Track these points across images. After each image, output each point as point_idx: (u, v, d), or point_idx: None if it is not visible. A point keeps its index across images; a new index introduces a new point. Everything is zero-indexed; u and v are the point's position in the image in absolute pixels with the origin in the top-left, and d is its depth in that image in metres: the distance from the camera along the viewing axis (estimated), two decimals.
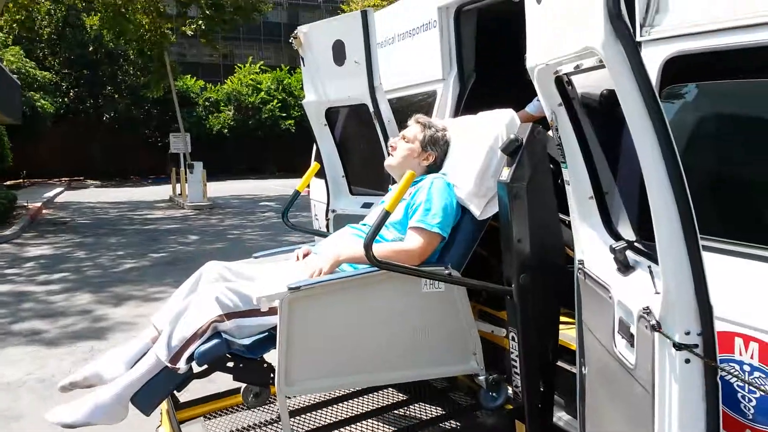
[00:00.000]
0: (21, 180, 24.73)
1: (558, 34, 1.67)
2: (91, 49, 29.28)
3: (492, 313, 2.80)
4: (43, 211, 15.65)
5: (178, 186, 18.67)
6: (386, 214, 2.13)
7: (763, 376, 1.63)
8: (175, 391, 2.40)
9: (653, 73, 1.93)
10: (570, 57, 1.62)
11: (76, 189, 24.94)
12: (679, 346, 1.37)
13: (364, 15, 2.92)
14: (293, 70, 35.41)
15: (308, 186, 3.34)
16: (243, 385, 2.62)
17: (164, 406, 2.67)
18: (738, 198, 1.86)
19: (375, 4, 22.10)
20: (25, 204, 15.28)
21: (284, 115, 32.54)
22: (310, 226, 6.27)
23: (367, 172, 3.45)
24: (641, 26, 2.03)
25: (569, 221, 2.51)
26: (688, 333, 1.37)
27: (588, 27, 1.38)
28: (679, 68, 1.92)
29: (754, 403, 1.67)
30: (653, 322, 1.42)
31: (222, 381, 2.61)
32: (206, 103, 32.77)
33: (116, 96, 30.93)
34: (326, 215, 3.55)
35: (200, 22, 15.91)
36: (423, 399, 2.96)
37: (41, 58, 29.29)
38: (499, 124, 2.52)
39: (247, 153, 32.20)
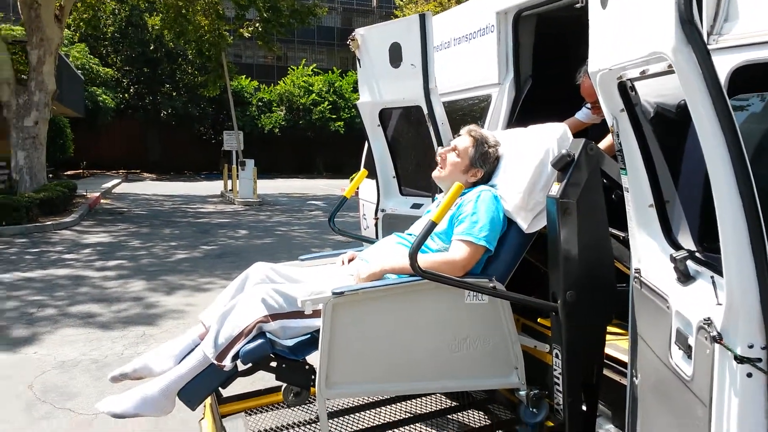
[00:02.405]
0: (81, 170, 25.77)
1: (623, 38, 1.65)
2: (151, 48, 30.33)
3: (535, 327, 2.76)
4: (101, 201, 16.27)
5: (229, 182, 19.11)
6: (432, 225, 2.12)
7: None
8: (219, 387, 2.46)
9: (721, 81, 1.89)
10: (636, 62, 1.59)
11: (133, 181, 25.86)
12: (741, 359, 1.33)
13: (422, 18, 2.94)
14: (345, 73, 35.85)
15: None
16: (284, 384, 2.68)
17: (208, 400, 2.73)
18: None
19: (427, 10, 22.17)
20: (85, 193, 15.91)
21: (334, 116, 32.95)
22: (357, 226, 6.34)
23: (417, 173, 3.46)
24: (708, 34, 1.98)
25: (621, 236, 2.48)
26: (751, 346, 1.33)
27: (657, 31, 1.36)
28: (747, 78, 1.87)
29: None
30: (714, 333, 1.38)
31: (265, 378, 2.66)
32: (259, 103, 33.50)
33: (174, 94, 31.91)
34: (375, 214, 3.58)
35: (258, 25, 16.24)
36: (462, 409, 2.95)
37: (104, 55, 30.52)
38: (550, 137, 2.48)
39: (296, 152, 32.82)
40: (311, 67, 34.90)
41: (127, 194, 19.26)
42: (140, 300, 6.32)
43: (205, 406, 2.81)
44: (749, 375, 1.34)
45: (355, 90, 34.36)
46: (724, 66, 1.91)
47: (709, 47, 1.95)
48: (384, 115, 3.42)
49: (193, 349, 2.42)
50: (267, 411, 2.88)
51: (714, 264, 1.53)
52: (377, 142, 3.47)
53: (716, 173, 1.30)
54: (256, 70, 38.75)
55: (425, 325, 2.36)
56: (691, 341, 1.52)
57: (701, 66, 1.26)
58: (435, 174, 2.69)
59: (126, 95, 31.36)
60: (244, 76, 32.75)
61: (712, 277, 1.51)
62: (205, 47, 17.09)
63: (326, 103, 32.98)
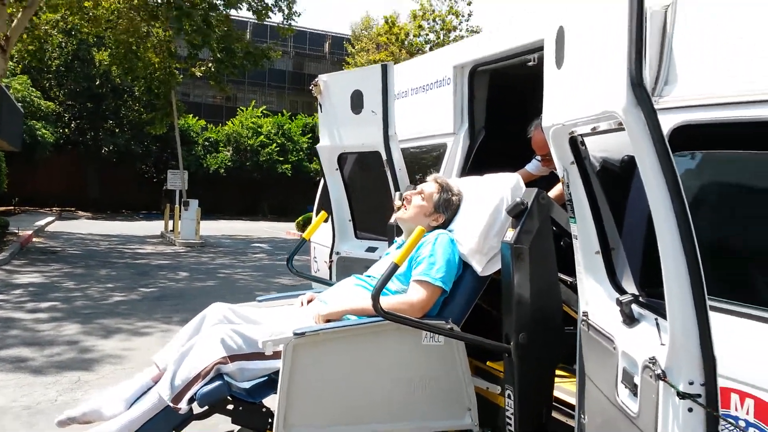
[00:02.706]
0: (12, 207, 24.66)
1: (576, 96, 1.80)
2: (97, 83, 29.69)
3: (487, 369, 2.83)
4: (34, 239, 15.57)
5: (170, 222, 18.70)
6: (395, 267, 2.21)
7: (757, 430, 1.69)
8: None
9: None
10: (587, 119, 1.73)
11: (67, 219, 24.87)
12: (683, 395, 1.43)
13: (384, 68, 3.08)
14: (294, 116, 36.08)
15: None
16: (236, 429, 2.64)
17: None
18: (736, 261, 1.96)
19: (379, 59, 22.79)
20: (17, 231, 15.20)
21: (282, 159, 32.97)
22: (305, 268, 6.31)
23: (373, 217, 3.54)
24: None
25: (569, 281, 2.61)
26: (691, 383, 1.43)
27: (609, 92, 1.50)
28: (684, 137, 2.05)
29: None
30: (659, 371, 1.48)
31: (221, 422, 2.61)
32: (206, 142, 33.19)
33: (117, 130, 31.23)
34: (330, 257, 3.61)
35: (210, 65, 16.27)
36: None
37: (47, 88, 29.70)
38: (505, 186, 2.62)
39: (241, 194, 32.52)
40: (261, 109, 35.00)
41: (61, 233, 18.49)
42: (75, 344, 6.03)
43: None
44: (690, 410, 1.44)
45: (304, 133, 34.81)
46: (664, 125, 2.09)
47: None
48: (342, 159, 3.50)
49: (145, 392, 2.37)
50: None
51: (656, 307, 1.65)
52: (335, 186, 3.54)
53: (661, 225, 1.42)
54: (204, 109, 38.52)
55: (384, 366, 2.39)
56: (637, 380, 1.62)
57: (649, 125, 1.40)
58: (399, 214, 2.77)
59: (66, 130, 30.46)
60: (191, 115, 32.47)
61: (656, 319, 1.62)
62: (154, 85, 16.93)
63: (274, 145, 33.00)
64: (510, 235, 2.37)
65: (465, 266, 2.59)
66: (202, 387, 2.20)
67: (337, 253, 3.58)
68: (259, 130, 33.53)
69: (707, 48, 2.01)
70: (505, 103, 3.48)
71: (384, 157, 3.15)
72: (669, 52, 2.12)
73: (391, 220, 3.07)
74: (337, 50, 44.78)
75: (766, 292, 1.73)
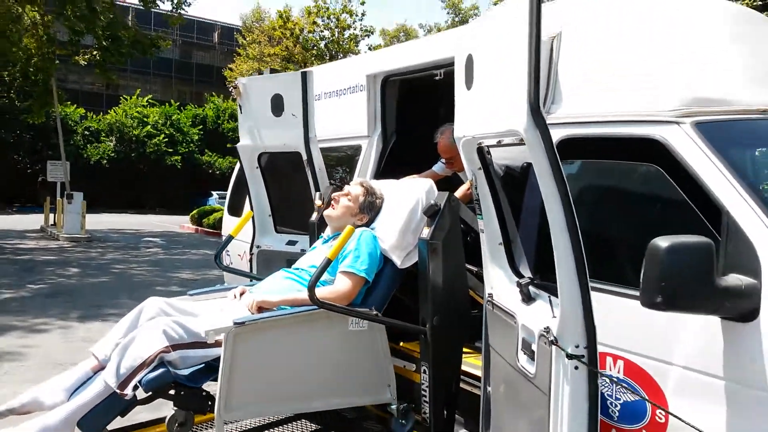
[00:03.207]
0: None
1: (484, 115, 2.15)
2: None
3: (403, 350, 3.16)
4: None
5: (51, 216, 17.60)
6: (328, 262, 2.50)
7: (626, 386, 2.13)
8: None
9: None
10: (493, 134, 2.09)
11: None
12: (570, 356, 1.81)
13: (304, 75, 3.31)
14: (183, 106, 34.80)
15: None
16: (168, 416, 2.79)
17: None
18: (606, 248, 2.41)
19: (273, 53, 22.65)
20: None
21: (171, 150, 31.74)
22: (203, 261, 6.37)
23: (292, 213, 3.75)
24: None
25: (475, 271, 2.99)
26: (577, 346, 1.82)
27: (512, 114, 1.85)
28: (567, 148, 2.47)
29: (618, 408, 2.17)
30: (551, 338, 1.86)
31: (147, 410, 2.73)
32: (86, 132, 31.25)
33: None
34: (251, 250, 3.79)
35: (96, 53, 15.43)
36: (337, 427, 3.23)
37: None
38: (420, 190, 2.97)
39: (126, 186, 30.83)
40: (147, 98, 33.42)
41: None
42: None
43: None
44: (576, 368, 1.82)
45: (194, 124, 33.71)
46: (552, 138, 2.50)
47: None
48: (261, 158, 3.69)
49: (84, 382, 2.47)
50: None
51: (548, 288, 2.03)
52: (255, 183, 3.72)
53: (554, 220, 1.79)
54: (83, 96, 36.20)
55: (315, 350, 2.65)
56: (534, 347, 2.00)
57: (544, 142, 1.76)
58: (327, 212, 3.03)
59: None
60: (69, 103, 30.38)
61: (549, 297, 2.01)
62: (31, 71, 15.79)
63: (162, 136, 31.72)
64: (426, 232, 2.71)
65: (385, 260, 2.90)
66: (146, 374, 2.35)
67: (258, 247, 3.76)
68: (145, 120, 32.07)
69: (584, 74, 2.44)
70: (414, 110, 3.82)
71: (305, 157, 3.38)
72: (555, 76, 2.53)
73: (313, 218, 3.32)
74: (227, 41, 43.69)
75: (632, 274, 2.16)
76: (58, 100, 16.50)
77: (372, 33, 25.14)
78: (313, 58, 23.06)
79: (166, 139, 31.76)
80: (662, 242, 1.72)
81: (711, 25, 2.38)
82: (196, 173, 32.24)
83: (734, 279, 1.84)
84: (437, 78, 3.32)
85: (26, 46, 15.34)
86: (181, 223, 21.84)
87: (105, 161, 30.66)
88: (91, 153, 30.54)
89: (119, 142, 31.33)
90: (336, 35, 23.54)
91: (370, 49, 26.37)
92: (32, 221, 19.92)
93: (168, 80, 44.41)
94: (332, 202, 3.02)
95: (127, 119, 31.79)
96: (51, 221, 17.78)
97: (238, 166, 5.36)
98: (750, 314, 1.82)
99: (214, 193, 28.98)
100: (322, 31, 23.98)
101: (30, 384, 4.44)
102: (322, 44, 23.64)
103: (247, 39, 28.79)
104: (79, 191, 16.62)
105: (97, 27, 14.08)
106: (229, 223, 5.27)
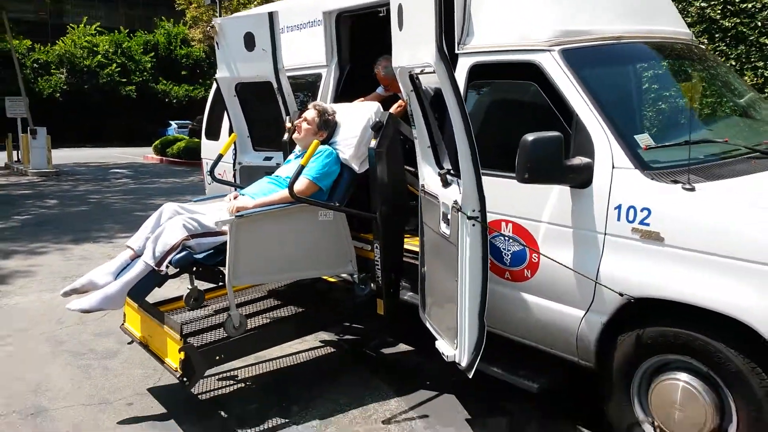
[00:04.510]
0: None
1: (411, 50, 2.93)
2: None
3: (361, 237, 4.02)
4: None
5: (15, 153, 17.75)
6: (302, 168, 3.33)
7: (514, 240, 3.06)
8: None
9: (464, 73, 3.29)
10: (417, 66, 2.89)
11: None
12: (469, 218, 2.71)
13: (271, 15, 3.99)
14: (133, 33, 33.87)
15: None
16: (185, 293, 3.69)
17: (127, 309, 3.62)
18: (501, 145, 3.26)
19: None
20: None
21: (125, 80, 31.25)
22: (174, 188, 6.88)
23: (267, 133, 4.50)
24: (458, 43, 3.36)
25: (412, 171, 3.84)
26: (473, 211, 2.71)
27: (427, 51, 2.64)
28: (477, 71, 3.28)
29: (509, 256, 3.11)
30: (458, 207, 2.75)
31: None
32: (35, 65, 30.40)
33: None
34: (234, 166, 4.57)
35: None
36: (315, 298, 4.15)
37: None
38: (370, 111, 3.77)
39: (82, 119, 30.29)
40: (95, 26, 32.41)
41: None
42: None
43: (124, 313, 3.67)
44: (474, 225, 2.72)
45: (146, 51, 32.98)
46: (466, 64, 3.31)
47: (459, 52, 3.33)
48: (239, 88, 4.40)
49: (125, 267, 3.30)
50: (176, 313, 3.80)
51: (457, 175, 2.90)
52: (234, 109, 4.45)
53: (456, 127, 2.63)
54: (26, 27, 34.66)
55: (294, 235, 3.51)
56: (449, 216, 2.89)
57: (447, 72, 2.56)
58: (294, 136, 3.81)
59: None
60: (21, 36, 29.32)
61: (458, 182, 2.88)
62: None
63: (114, 65, 31.10)
64: (373, 143, 3.54)
65: (344, 167, 3.71)
66: (174, 256, 3.19)
67: (240, 163, 4.54)
68: (95, 49, 31.27)
69: (486, 14, 3.22)
70: (364, 42, 4.53)
71: (275, 86, 4.11)
72: (469, 16, 3.30)
73: (285, 137, 4.09)
74: None
75: (509, 163, 2.95)
76: (10, 34, 16.25)
77: None
78: None
79: (119, 69, 31.18)
80: (529, 137, 2.60)
81: None
82: (152, 103, 31.89)
83: (577, 159, 2.74)
84: (381, 15, 4.03)
85: None
86: (144, 154, 22.10)
87: (58, 94, 30.07)
88: (43, 86, 29.87)
89: (70, 74, 30.61)
90: None
91: None
92: None
93: (113, 5, 42.67)
94: (296, 128, 3.79)
95: (76, 49, 30.96)
96: (15, 158, 17.92)
97: (212, 94, 6.01)
98: (586, 182, 2.74)
99: (172, 122, 28.95)
100: None
101: (45, 293, 5.30)
102: None
103: None
104: (40, 126, 16.77)
105: None
106: (207, 146, 5.98)
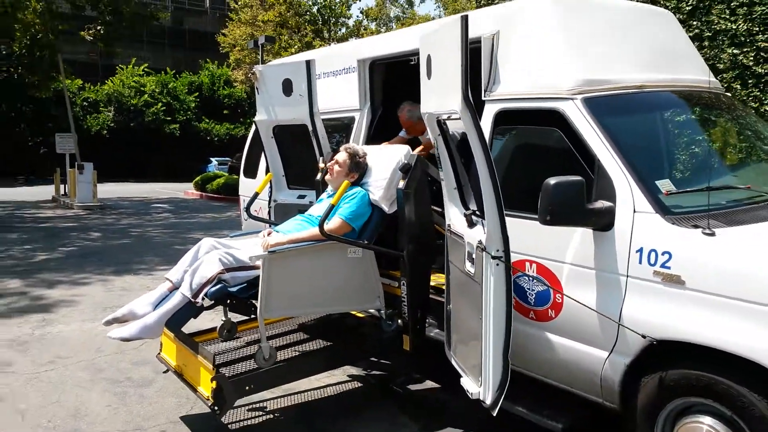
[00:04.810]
0: None
1: (439, 97, 3.09)
2: None
3: (389, 274, 4.12)
4: None
5: (62, 186, 18.50)
6: (331, 207, 3.50)
7: (538, 281, 3.12)
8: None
9: (490, 119, 3.42)
10: (445, 112, 3.04)
11: None
12: (494, 257, 2.80)
13: (308, 63, 4.22)
14: (178, 74, 35.28)
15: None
16: (218, 325, 3.84)
17: (164, 338, 3.78)
18: (520, 188, 3.35)
19: (267, 19, 23.13)
20: None
21: (169, 119, 32.42)
22: (212, 223, 7.15)
23: (301, 173, 4.70)
24: (485, 90, 3.51)
25: (439, 211, 3.96)
26: (497, 250, 2.80)
27: (453, 100, 2.79)
28: (503, 117, 3.41)
29: (534, 296, 3.17)
30: (482, 247, 2.85)
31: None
32: (84, 103, 31.86)
33: None
34: (269, 204, 4.77)
35: (99, 27, 16.08)
36: (344, 334, 4.25)
37: None
38: (400, 154, 3.91)
39: (127, 155, 31.49)
40: (143, 67, 33.90)
41: None
42: (24, 294, 6.76)
43: (161, 343, 3.84)
44: (497, 264, 2.81)
45: (190, 92, 34.25)
46: (492, 110, 3.45)
47: (485, 98, 3.47)
48: (276, 130, 4.63)
49: (164, 298, 3.47)
50: (210, 344, 3.95)
51: (482, 216, 3.01)
52: (271, 150, 4.67)
53: (480, 170, 2.75)
54: (78, 67, 36.45)
55: (324, 271, 3.64)
56: (474, 255, 2.99)
57: (472, 119, 2.70)
58: (327, 178, 3.98)
59: None
60: (73, 76, 30.79)
61: (483, 222, 2.99)
62: (37, 47, 16.46)
63: (160, 104, 32.35)
64: (402, 184, 3.69)
65: (374, 207, 3.85)
66: (210, 288, 3.34)
67: (275, 201, 4.73)
68: (142, 89, 32.65)
69: (512, 63, 3.36)
70: (395, 88, 4.73)
71: (310, 128, 4.32)
72: (495, 64, 3.46)
73: (318, 177, 4.27)
74: (219, 5, 43.76)
75: (533, 205, 3.05)
76: (64, 74, 17.19)
77: None
78: (306, 23, 23.56)
79: (164, 108, 32.41)
80: (551, 181, 2.70)
81: (599, 27, 3.32)
82: (194, 140, 32.98)
83: (599, 203, 2.82)
84: (412, 63, 4.22)
85: (30, 21, 15.94)
86: (184, 190, 22.75)
87: (105, 131, 31.36)
88: (91, 124, 31.22)
89: (118, 112, 31.96)
90: (328, 0, 23.96)
91: (361, 12, 26.87)
92: (42, 192, 20.84)
93: (161, 47, 44.55)
94: (328, 170, 3.96)
95: (124, 89, 32.37)
96: (62, 191, 18.67)
97: (251, 135, 6.28)
98: (608, 226, 2.81)
99: (213, 159, 29.81)
100: None
101: (87, 322, 5.52)
102: (314, 9, 24.09)
103: (239, 3, 29.14)
104: (87, 162, 17.49)
105: (100, 2, 14.70)
106: (245, 184, 6.23)
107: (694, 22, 7.49)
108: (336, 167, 3.94)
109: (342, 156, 3.96)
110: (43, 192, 20.70)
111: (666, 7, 7.46)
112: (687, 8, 7.58)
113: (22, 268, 8.18)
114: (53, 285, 7.21)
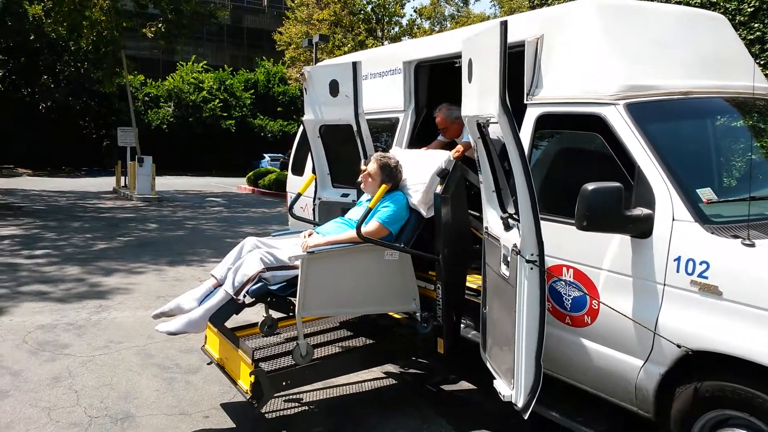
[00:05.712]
0: None
1: (479, 101, 3.12)
2: (31, 37, 28.80)
3: (425, 276, 4.14)
4: None
5: (123, 178, 19.28)
6: (369, 210, 3.59)
7: (574, 286, 3.12)
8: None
9: (531, 122, 3.43)
10: (484, 116, 3.07)
11: (9, 177, 24.79)
12: (528, 261, 2.82)
13: (354, 65, 4.30)
14: (236, 71, 36.15)
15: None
16: (260, 320, 3.97)
17: (208, 332, 3.95)
18: (560, 191, 3.34)
19: (321, 18, 23.47)
20: None
21: (225, 115, 33.25)
22: (262, 218, 7.33)
23: (345, 172, 4.79)
24: (527, 94, 3.52)
25: (476, 215, 3.98)
26: (532, 254, 2.81)
27: (491, 104, 2.82)
28: (545, 121, 3.41)
29: (570, 302, 3.16)
30: (517, 251, 2.87)
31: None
32: (146, 98, 33.04)
33: (52, 86, 30.63)
34: (314, 202, 4.88)
35: (161, 25, 16.69)
36: (378, 334, 4.31)
37: None
38: (439, 159, 3.92)
39: (185, 150, 32.48)
40: (202, 64, 34.90)
41: (15, 190, 18.81)
42: (83, 281, 7.12)
43: (205, 335, 4.01)
44: (532, 268, 2.83)
45: (246, 89, 35.07)
46: (534, 113, 3.45)
47: (527, 102, 3.48)
48: (322, 129, 4.74)
49: (208, 294, 3.62)
50: (250, 338, 4.10)
51: (518, 219, 3.02)
52: (317, 149, 4.78)
53: (516, 174, 2.78)
54: (140, 63, 37.81)
55: (361, 272, 3.71)
56: (509, 258, 3.01)
57: (510, 124, 2.73)
58: (363, 187, 4.04)
59: (0, 85, 29.70)
60: (135, 72, 32.08)
61: (518, 226, 3.01)
62: (102, 43, 17.22)
63: (217, 101, 33.21)
64: (439, 189, 3.73)
65: (412, 211, 3.89)
66: (251, 286, 3.47)
67: (319, 199, 4.84)
68: (200, 85, 33.58)
69: (555, 68, 3.36)
70: (439, 89, 4.77)
71: (355, 128, 4.40)
72: (539, 68, 3.46)
73: (359, 179, 4.35)
74: (276, 4, 44.59)
75: (571, 210, 3.05)
76: (127, 70, 17.90)
77: None
78: (360, 23, 23.78)
79: (221, 104, 33.26)
80: (589, 186, 2.69)
81: (645, 33, 3.28)
82: (249, 136, 33.74)
83: (638, 210, 2.80)
84: (456, 65, 4.25)
85: (96, 19, 16.68)
86: (238, 185, 23.34)
87: (165, 126, 32.43)
88: (152, 118, 32.34)
89: (177, 107, 32.99)
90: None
91: (415, 11, 26.88)
92: (103, 183, 21.78)
93: (220, 45, 45.79)
94: (362, 180, 4.00)
95: (184, 85, 33.37)
96: (122, 183, 19.46)
97: (299, 134, 6.42)
98: (647, 233, 2.78)
99: (266, 155, 30.43)
100: None
101: (140, 310, 5.79)
102: (368, 8, 24.28)
103: (296, 1, 29.63)
104: (147, 155, 18.20)
105: (162, 1, 15.25)
106: (293, 181, 6.39)
107: (756, 24, 7.22)
108: (368, 179, 3.97)
109: (372, 167, 3.98)
110: (105, 183, 21.63)
111: (726, 9, 7.22)
112: (749, 10, 7.31)
113: (83, 255, 8.61)
114: (110, 273, 7.56)
